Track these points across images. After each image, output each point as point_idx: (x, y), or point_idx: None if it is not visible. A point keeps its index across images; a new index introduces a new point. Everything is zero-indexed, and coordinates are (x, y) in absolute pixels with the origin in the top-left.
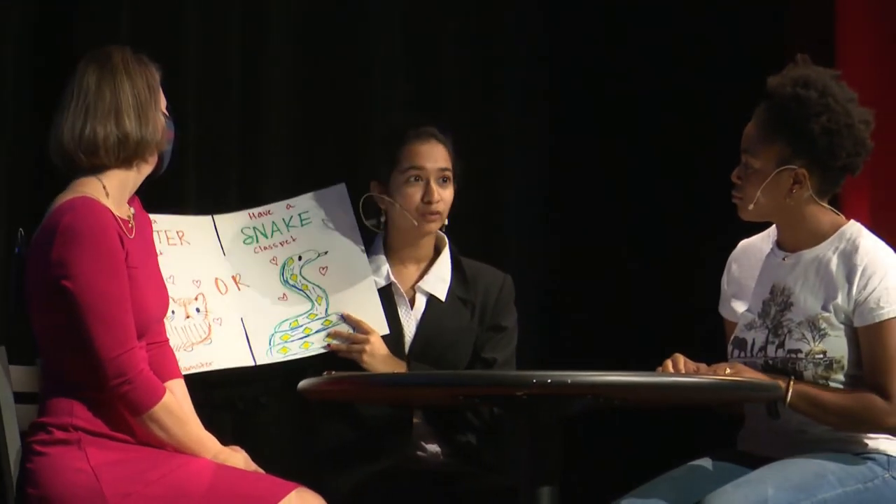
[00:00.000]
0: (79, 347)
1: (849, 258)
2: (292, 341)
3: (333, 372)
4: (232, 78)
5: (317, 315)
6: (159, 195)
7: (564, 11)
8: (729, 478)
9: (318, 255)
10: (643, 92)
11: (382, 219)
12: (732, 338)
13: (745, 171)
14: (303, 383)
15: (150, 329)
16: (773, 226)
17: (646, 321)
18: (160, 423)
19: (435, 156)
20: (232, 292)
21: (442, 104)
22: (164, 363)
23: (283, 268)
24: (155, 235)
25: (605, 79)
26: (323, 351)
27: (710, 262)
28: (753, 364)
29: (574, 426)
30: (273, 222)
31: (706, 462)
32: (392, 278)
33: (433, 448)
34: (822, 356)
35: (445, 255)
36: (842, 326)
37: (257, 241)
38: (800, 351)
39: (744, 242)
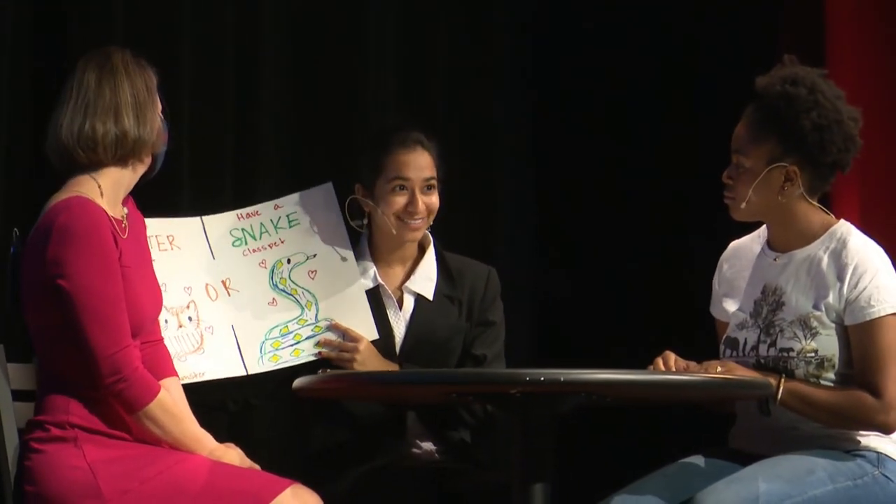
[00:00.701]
0: (74, 346)
1: (840, 257)
2: (283, 349)
3: (329, 370)
4: (225, 79)
5: (307, 321)
6: (153, 196)
7: (558, 12)
8: (720, 475)
9: (307, 259)
10: (634, 92)
11: (366, 221)
12: (724, 337)
13: (737, 171)
14: (297, 382)
15: (145, 328)
16: (764, 226)
17: (639, 320)
18: (155, 421)
19: (420, 165)
20: (222, 298)
21: (433, 104)
22: (158, 361)
23: (273, 271)
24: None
25: (595, 79)
26: (314, 358)
27: (702, 262)
28: (745, 364)
29: (567, 423)
30: (261, 223)
31: (698, 459)
32: (379, 280)
33: (427, 446)
34: (813, 354)
35: (430, 254)
36: (833, 325)
37: (246, 244)
38: (791, 349)
39: (735, 243)
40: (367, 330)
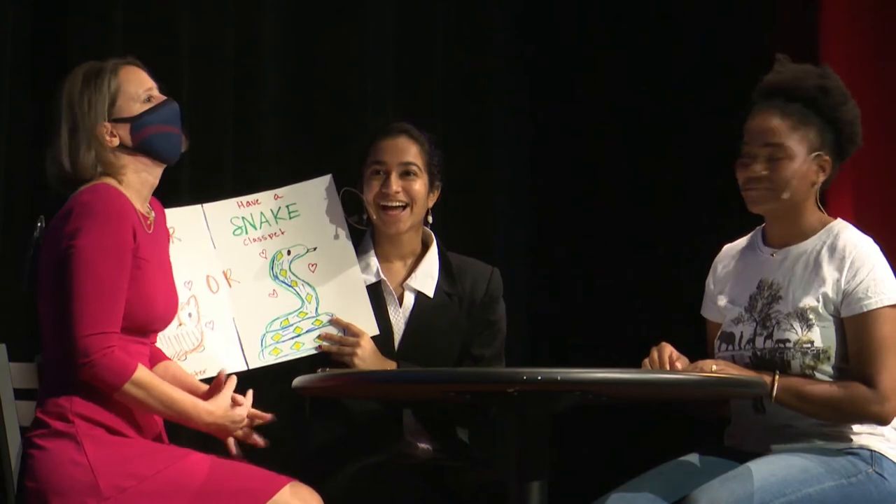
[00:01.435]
0: (62, 323)
1: (837, 251)
2: (283, 341)
3: (328, 369)
4: (225, 74)
5: (307, 314)
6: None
7: (556, 12)
8: (716, 472)
9: (307, 251)
10: (628, 96)
11: (365, 216)
12: (719, 332)
13: (773, 163)
14: (296, 381)
15: (154, 328)
16: (755, 230)
17: (635, 319)
18: (135, 398)
19: (399, 150)
20: (223, 290)
21: (433, 103)
22: (151, 356)
23: (273, 262)
24: None
25: (590, 83)
26: (314, 352)
27: (697, 262)
28: (742, 357)
29: (563, 422)
30: (261, 212)
31: (693, 457)
32: (381, 275)
33: (424, 444)
34: (810, 345)
35: (433, 252)
36: (830, 317)
37: (246, 233)
38: (788, 340)
39: (728, 246)
40: (367, 325)
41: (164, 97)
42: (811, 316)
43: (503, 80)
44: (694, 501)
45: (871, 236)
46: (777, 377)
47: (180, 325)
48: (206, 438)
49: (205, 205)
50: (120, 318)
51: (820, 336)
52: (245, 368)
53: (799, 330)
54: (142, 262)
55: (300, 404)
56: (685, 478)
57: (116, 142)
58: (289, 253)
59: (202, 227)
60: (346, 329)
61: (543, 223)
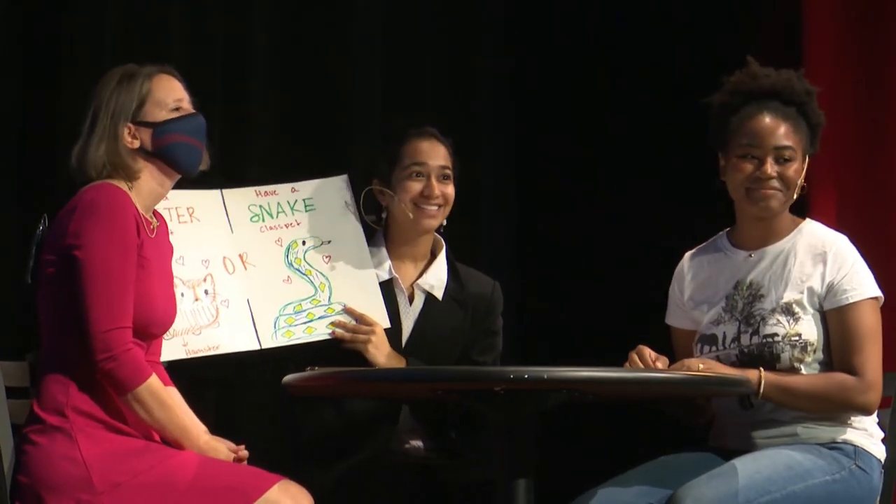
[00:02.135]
0: (75, 320)
1: (817, 247)
2: (296, 325)
3: (316, 368)
4: (215, 74)
5: (320, 301)
6: None
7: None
8: (702, 470)
9: (322, 243)
10: (618, 96)
11: (384, 215)
12: (698, 336)
13: (783, 165)
14: (286, 379)
15: (151, 332)
16: (717, 235)
17: (621, 320)
18: (144, 404)
19: (436, 153)
20: (239, 272)
21: (423, 100)
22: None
23: (288, 250)
24: (166, 213)
25: (576, 80)
26: (327, 337)
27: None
28: (728, 356)
29: (550, 420)
30: (278, 203)
31: (679, 455)
32: (394, 273)
33: (415, 441)
34: (797, 338)
35: (442, 258)
36: (813, 311)
37: (263, 221)
38: (776, 335)
39: (689, 253)
40: (378, 318)
41: (193, 110)
42: (797, 309)
43: (490, 82)
44: (679, 499)
45: (853, 237)
46: (763, 374)
47: (196, 300)
48: None
49: (224, 190)
50: (131, 313)
51: (806, 329)
52: (258, 348)
53: (786, 324)
54: (144, 261)
55: (291, 400)
56: (671, 475)
57: (137, 144)
58: (304, 243)
59: (220, 210)
60: (359, 319)
61: (530, 223)
